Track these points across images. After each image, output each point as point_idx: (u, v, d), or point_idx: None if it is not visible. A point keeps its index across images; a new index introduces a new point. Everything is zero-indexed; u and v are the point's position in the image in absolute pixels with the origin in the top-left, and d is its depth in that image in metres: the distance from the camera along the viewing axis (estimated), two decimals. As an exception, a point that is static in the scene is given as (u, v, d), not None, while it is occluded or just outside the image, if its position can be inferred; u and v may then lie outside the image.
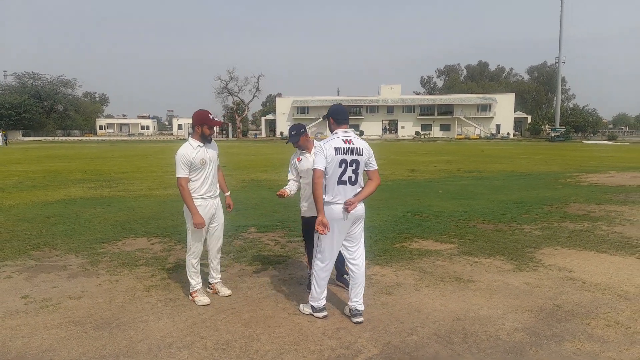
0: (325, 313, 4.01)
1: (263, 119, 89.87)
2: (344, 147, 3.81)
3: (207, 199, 4.47)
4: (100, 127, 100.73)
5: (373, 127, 78.43)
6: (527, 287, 4.80)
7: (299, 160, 4.69)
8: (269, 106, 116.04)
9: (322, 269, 3.94)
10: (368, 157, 3.91)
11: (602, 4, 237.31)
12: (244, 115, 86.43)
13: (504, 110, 76.82)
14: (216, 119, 4.54)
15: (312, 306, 4.02)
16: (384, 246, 6.40)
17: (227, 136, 78.89)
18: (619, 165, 20.56)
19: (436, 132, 78.39)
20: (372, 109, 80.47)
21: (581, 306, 4.28)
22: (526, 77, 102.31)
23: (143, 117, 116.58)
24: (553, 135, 64.22)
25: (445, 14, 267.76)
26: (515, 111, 79.11)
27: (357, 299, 3.92)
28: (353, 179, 3.85)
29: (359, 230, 3.99)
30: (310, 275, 4.11)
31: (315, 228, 3.77)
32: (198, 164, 4.40)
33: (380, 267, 5.45)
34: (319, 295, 3.98)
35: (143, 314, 4.12)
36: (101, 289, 4.75)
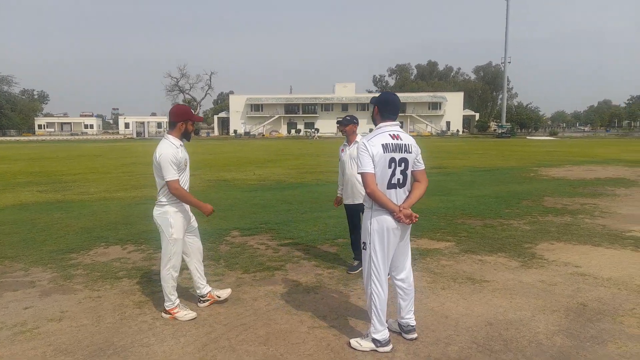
0: (391, 346, 3.33)
1: (215, 117, 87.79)
2: (392, 144, 3.24)
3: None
4: (40, 127, 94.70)
5: (328, 125, 78.40)
6: (543, 285, 4.65)
7: (342, 151, 5.18)
8: (221, 104, 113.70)
9: (381, 291, 3.30)
10: (416, 155, 3.39)
11: (542, 8, 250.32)
12: (196, 113, 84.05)
13: (454, 108, 79.15)
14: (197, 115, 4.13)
15: (374, 340, 3.30)
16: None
17: (178, 135, 76.36)
18: (571, 160, 21.45)
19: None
20: (327, 107, 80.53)
21: (604, 303, 4.16)
22: (473, 76, 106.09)
23: (86, 116, 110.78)
24: (500, 131, 66.91)
25: (396, 13, 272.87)
26: (463, 109, 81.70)
27: (409, 316, 3.50)
28: (402, 181, 3.30)
29: (407, 240, 3.49)
30: (370, 302, 3.35)
31: (405, 222, 3.24)
32: (183, 165, 3.96)
33: (387, 270, 5.14)
34: (382, 324, 3.32)
35: (141, 335, 3.59)
36: (83, 307, 4.14)
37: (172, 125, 4.04)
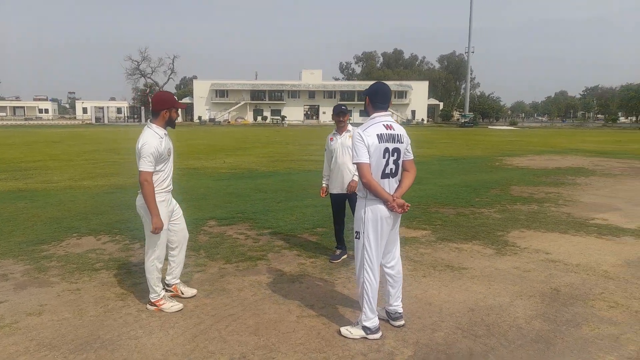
0: (381, 333, 3.40)
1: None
2: (386, 134, 3.28)
3: (168, 192, 3.97)
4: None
5: (295, 112, 78.11)
6: (518, 271, 4.85)
7: (332, 140, 5.15)
8: (184, 89, 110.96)
9: (373, 280, 3.35)
10: (407, 145, 3.43)
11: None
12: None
13: (419, 97, 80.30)
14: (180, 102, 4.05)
15: (365, 327, 3.37)
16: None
17: (140, 120, 74.13)
18: (532, 149, 22.25)
19: (356, 117, 79.93)
20: (294, 94, 79.99)
21: (576, 288, 4.39)
22: (437, 65, 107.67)
23: (40, 100, 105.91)
24: (463, 121, 68.46)
25: (362, 1, 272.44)
26: (428, 98, 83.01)
27: (397, 303, 3.58)
28: (394, 170, 3.34)
29: (397, 229, 3.54)
30: (362, 290, 3.39)
31: (397, 211, 3.31)
32: (166, 155, 3.88)
33: (368, 258, 5.23)
34: (373, 312, 3.38)
35: (128, 328, 3.52)
36: (63, 300, 4.02)
37: (155, 114, 3.93)
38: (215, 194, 9.29)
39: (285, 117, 71.99)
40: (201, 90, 78.70)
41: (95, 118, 69.39)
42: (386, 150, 3.29)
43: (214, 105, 78.24)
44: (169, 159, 3.95)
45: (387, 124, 3.35)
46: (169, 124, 3.95)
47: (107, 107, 76.07)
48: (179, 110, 4.11)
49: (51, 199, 8.65)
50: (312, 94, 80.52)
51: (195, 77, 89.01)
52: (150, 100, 76.07)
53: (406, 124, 73.25)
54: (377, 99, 3.43)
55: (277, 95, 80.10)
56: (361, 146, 3.24)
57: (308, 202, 8.45)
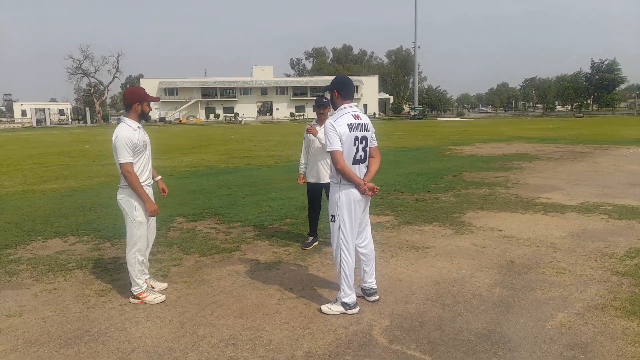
0: (359, 308, 3.66)
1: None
2: (355, 124, 3.54)
3: (147, 186, 4.07)
4: None
5: (248, 108, 77.41)
6: (476, 247, 5.27)
7: (309, 130, 5.26)
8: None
9: (350, 259, 3.61)
10: (372, 133, 3.71)
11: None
12: (104, 98, 78.66)
13: (370, 92, 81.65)
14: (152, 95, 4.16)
15: (344, 303, 3.62)
16: (328, 224, 6.45)
17: (85, 122, 71.07)
18: (480, 138, 23.35)
19: (310, 113, 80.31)
20: (246, 91, 79.22)
21: (528, 259, 4.84)
22: (385, 60, 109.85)
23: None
24: (413, 113, 70.41)
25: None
26: (379, 92, 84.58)
27: (371, 280, 3.85)
28: (362, 157, 3.61)
29: (367, 210, 3.83)
30: (340, 269, 3.64)
31: (368, 194, 3.59)
32: (141, 147, 4.01)
33: (338, 244, 5.49)
34: (351, 289, 3.63)
35: (114, 321, 3.60)
36: (42, 300, 4.02)
37: (127, 107, 4.05)
38: (178, 192, 9.26)
39: (243, 114, 71.32)
40: (149, 89, 75.14)
41: (37, 121, 65.87)
42: (356, 138, 3.55)
43: (164, 104, 76.17)
44: (145, 151, 4.05)
45: (355, 114, 3.61)
46: (142, 117, 4.07)
47: (49, 108, 72.33)
48: (151, 103, 4.19)
49: (6, 204, 8.35)
50: (264, 91, 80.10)
51: (141, 75, 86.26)
52: (94, 100, 73.28)
53: (359, 118, 74.37)
54: (345, 91, 3.69)
55: (228, 92, 79.03)
56: (334, 135, 3.48)
57: (273, 195, 8.62)
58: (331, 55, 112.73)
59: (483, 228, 6.08)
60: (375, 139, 3.75)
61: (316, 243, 5.44)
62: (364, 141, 3.61)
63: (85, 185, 10.48)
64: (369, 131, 3.67)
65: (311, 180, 5.37)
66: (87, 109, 73.35)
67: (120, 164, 3.83)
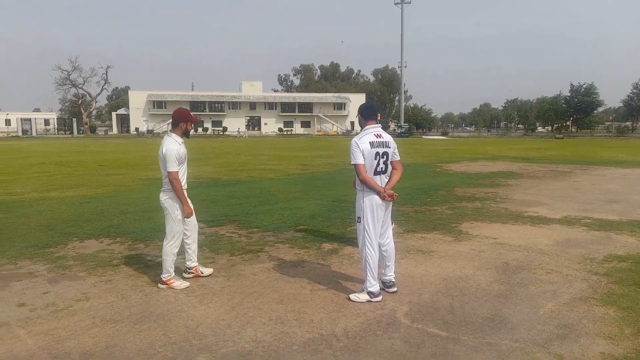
0: (382, 297, 4.28)
1: (114, 113, 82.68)
2: (376, 141, 4.23)
3: (185, 191, 4.77)
4: None
5: (236, 123, 77.91)
6: (474, 252, 5.96)
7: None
8: (117, 100, 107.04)
9: (374, 253, 4.24)
10: (393, 149, 4.41)
11: (426, 15, 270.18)
12: (92, 110, 78.48)
13: (357, 109, 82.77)
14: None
15: (370, 292, 4.23)
16: (339, 231, 7.11)
17: (72, 132, 70.78)
18: (466, 157, 24.32)
19: (297, 128, 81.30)
20: (235, 105, 79.98)
21: (521, 262, 5.55)
22: (372, 78, 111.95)
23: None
24: (399, 131, 71.83)
25: (297, 13, 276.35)
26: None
27: (391, 273, 4.51)
28: (384, 169, 4.31)
29: (388, 213, 4.47)
30: (365, 263, 4.28)
31: (388, 200, 4.23)
32: (183, 159, 4.70)
33: (351, 248, 6.12)
34: (375, 280, 4.26)
35: (173, 305, 4.18)
36: (101, 289, 4.57)
37: (174, 124, 4.81)
38: (191, 201, 9.79)
39: (245, 128, 72.34)
40: (137, 101, 76.64)
41: (22, 130, 65.48)
42: (377, 153, 4.26)
43: (152, 116, 76.43)
44: (184, 164, 4.78)
45: (377, 134, 4.35)
46: (185, 134, 4.81)
47: (35, 119, 71.96)
48: (193, 124, 4.93)
49: (27, 210, 8.80)
50: (253, 105, 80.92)
51: (128, 87, 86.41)
52: (81, 111, 73.08)
53: (346, 134, 75.55)
54: (367, 113, 4.47)
55: (217, 106, 79.66)
56: (357, 151, 4.23)
57: (282, 205, 9.24)
58: (319, 72, 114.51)
59: (479, 236, 6.79)
60: (397, 154, 4.45)
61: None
62: (385, 156, 4.33)
63: (98, 193, 10.96)
64: (390, 147, 4.37)
65: None
66: (74, 119, 73.09)
67: (168, 171, 4.56)
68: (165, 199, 4.68)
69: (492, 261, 5.56)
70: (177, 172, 4.58)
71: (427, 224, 7.56)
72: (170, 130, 4.84)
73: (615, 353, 3.33)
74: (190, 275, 4.89)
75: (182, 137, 4.80)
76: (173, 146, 4.60)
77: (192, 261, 4.93)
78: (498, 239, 6.64)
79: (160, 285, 4.62)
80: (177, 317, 3.91)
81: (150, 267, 5.27)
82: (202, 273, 4.95)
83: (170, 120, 5.00)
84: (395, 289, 4.53)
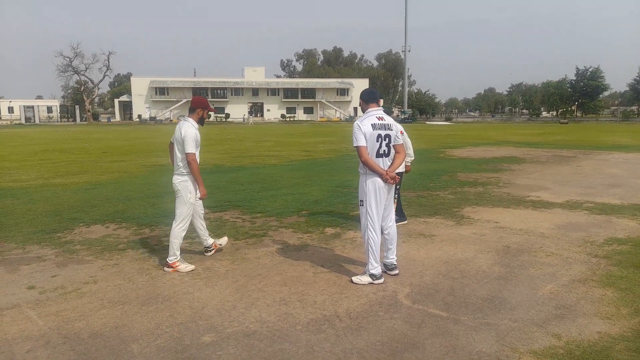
0: (383, 279, 4.34)
1: (117, 100, 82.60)
2: (378, 124, 4.25)
3: None
4: None
5: (238, 109, 77.79)
6: (476, 235, 6.02)
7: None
8: (119, 87, 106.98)
9: (376, 236, 4.30)
10: (396, 132, 4.43)
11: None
12: (94, 96, 78.42)
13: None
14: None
15: (372, 274, 4.30)
16: (341, 216, 7.17)
17: (75, 120, 70.84)
18: (470, 142, 24.29)
19: (300, 114, 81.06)
20: (237, 92, 79.67)
21: (521, 245, 5.61)
22: (375, 63, 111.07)
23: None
24: (402, 117, 71.50)
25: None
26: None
27: (393, 256, 4.57)
28: (387, 152, 4.33)
29: (391, 196, 4.51)
30: (367, 245, 4.34)
31: (390, 182, 4.25)
32: (199, 143, 4.79)
33: (354, 232, 6.19)
34: (377, 262, 4.31)
35: (179, 288, 4.27)
36: (109, 273, 4.66)
37: (192, 110, 4.93)
38: (194, 187, 9.88)
39: (251, 114, 72.12)
40: (139, 87, 76.39)
41: (25, 118, 65.53)
42: (379, 136, 4.28)
43: (154, 103, 76.29)
44: (199, 147, 4.93)
45: (378, 116, 4.36)
46: (201, 121, 4.89)
47: (37, 106, 72.00)
48: (209, 112, 5.07)
49: (33, 196, 8.90)
50: (255, 92, 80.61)
51: (130, 74, 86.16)
52: (83, 98, 73.01)
53: (349, 120, 75.30)
54: (368, 97, 4.49)
55: (220, 92, 79.39)
56: (359, 133, 4.26)
57: (285, 191, 9.31)
58: (321, 57, 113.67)
59: (480, 220, 6.84)
60: (400, 137, 4.47)
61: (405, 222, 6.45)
62: (387, 138, 4.33)
63: (102, 179, 11.05)
64: (392, 130, 4.38)
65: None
66: (77, 106, 73.10)
67: (187, 153, 4.70)
68: (180, 181, 4.80)
69: (493, 244, 5.62)
70: (195, 154, 4.73)
71: (429, 209, 7.62)
72: (187, 115, 4.96)
73: (612, 332, 3.40)
74: (212, 252, 5.17)
75: (198, 123, 4.92)
76: (192, 130, 4.75)
77: (207, 240, 5.15)
78: (500, 223, 6.69)
79: (166, 268, 4.73)
80: (183, 299, 4.00)
81: (156, 251, 5.36)
82: (221, 245, 5.30)
83: (187, 106, 5.11)
84: (397, 271, 4.59)
